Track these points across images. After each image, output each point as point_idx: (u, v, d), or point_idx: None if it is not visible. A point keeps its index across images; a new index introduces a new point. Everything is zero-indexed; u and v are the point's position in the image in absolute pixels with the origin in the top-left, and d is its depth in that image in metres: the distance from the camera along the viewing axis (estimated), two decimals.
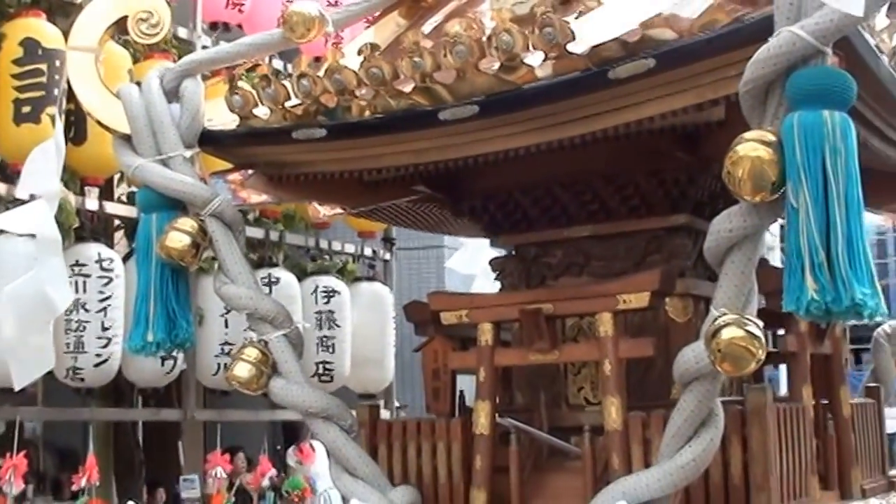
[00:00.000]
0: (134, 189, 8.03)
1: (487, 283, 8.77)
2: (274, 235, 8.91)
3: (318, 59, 5.88)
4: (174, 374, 7.80)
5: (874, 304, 4.07)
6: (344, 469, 5.71)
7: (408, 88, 5.27)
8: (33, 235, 6.44)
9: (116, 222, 8.10)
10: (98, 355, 7.20)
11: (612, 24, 4.79)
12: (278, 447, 10.81)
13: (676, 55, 4.70)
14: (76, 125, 6.64)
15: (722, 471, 5.08)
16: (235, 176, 6.20)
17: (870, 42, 4.63)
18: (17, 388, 6.37)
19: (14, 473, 6.92)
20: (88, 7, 6.38)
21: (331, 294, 8.99)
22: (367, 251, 9.91)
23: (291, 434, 11.48)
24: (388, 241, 10.08)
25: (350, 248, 9.75)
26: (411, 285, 10.74)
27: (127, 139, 5.92)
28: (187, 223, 5.71)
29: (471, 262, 9.22)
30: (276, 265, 8.62)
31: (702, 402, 4.74)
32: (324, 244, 9.46)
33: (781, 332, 5.88)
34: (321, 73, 5.48)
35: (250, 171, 6.13)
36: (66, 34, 7.19)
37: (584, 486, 5.29)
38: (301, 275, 8.92)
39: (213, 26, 8.75)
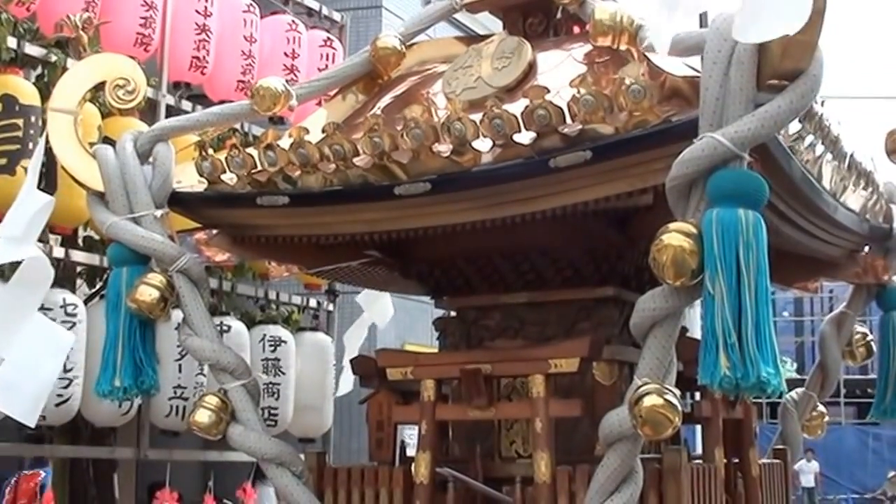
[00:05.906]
0: (92, 234, 8.33)
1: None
2: (225, 285, 9.04)
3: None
4: (130, 415, 7.90)
5: (776, 382, 4.46)
6: None
7: (366, 164, 5.58)
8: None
9: (78, 268, 8.29)
10: (59, 395, 7.25)
11: None
12: (209, 482, 10.89)
13: (611, 148, 5.08)
14: (46, 177, 6.81)
15: None
16: (201, 234, 6.50)
17: (783, 145, 4.98)
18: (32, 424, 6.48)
19: None
20: (69, 71, 6.71)
21: (277, 343, 9.15)
22: (312, 302, 10.07)
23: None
24: (331, 293, 10.22)
25: (296, 300, 9.91)
26: (342, 327, 10.63)
27: (101, 196, 6.17)
28: (156, 278, 5.96)
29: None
30: (227, 314, 8.79)
31: (624, 461, 5.05)
32: (272, 295, 9.60)
33: (697, 396, 6.25)
34: (287, 146, 5.76)
35: (215, 231, 6.41)
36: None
37: None
38: (250, 323, 9.09)
39: (177, 85, 8.98)
